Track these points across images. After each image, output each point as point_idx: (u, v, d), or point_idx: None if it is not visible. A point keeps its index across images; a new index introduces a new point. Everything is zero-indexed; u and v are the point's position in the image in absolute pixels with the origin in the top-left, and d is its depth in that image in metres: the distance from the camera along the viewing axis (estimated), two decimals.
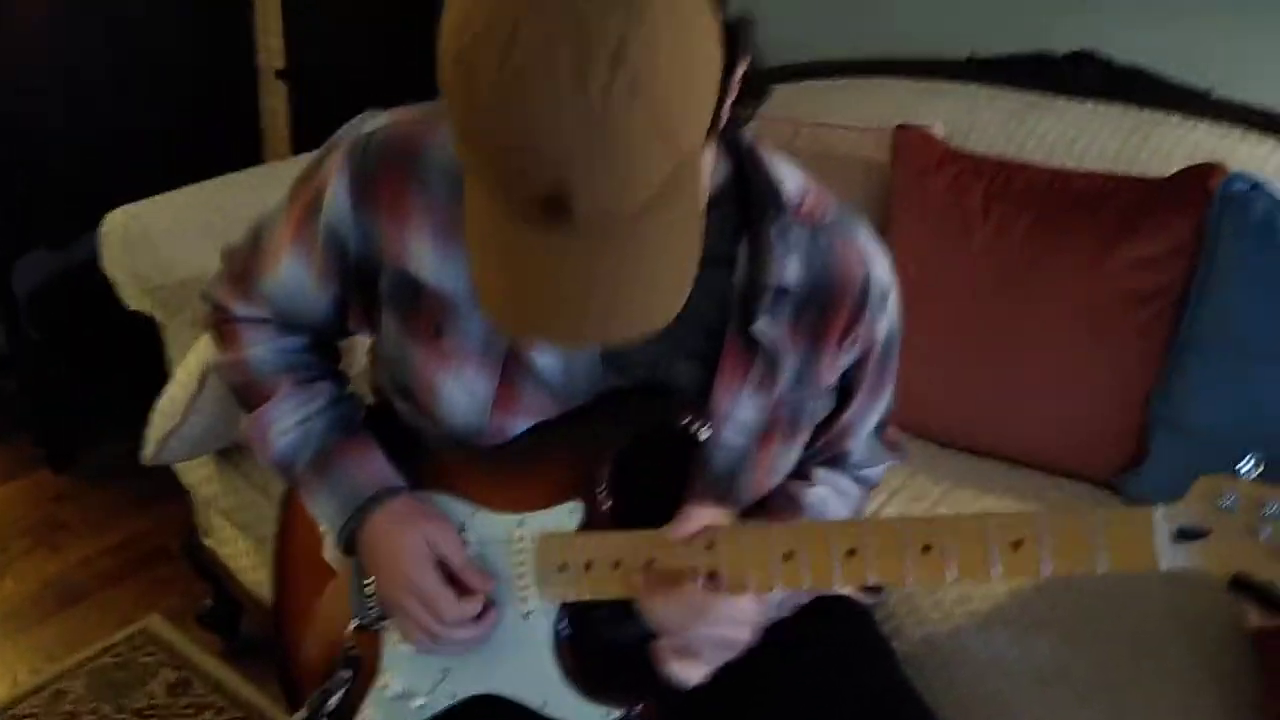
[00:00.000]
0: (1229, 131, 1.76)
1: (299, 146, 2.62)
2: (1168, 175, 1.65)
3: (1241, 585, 0.89)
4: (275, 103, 2.61)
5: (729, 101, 0.91)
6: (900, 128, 1.87)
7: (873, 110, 2.02)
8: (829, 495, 1.25)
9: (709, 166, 0.95)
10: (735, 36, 0.89)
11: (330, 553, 1.26)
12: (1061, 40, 1.95)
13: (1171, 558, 0.90)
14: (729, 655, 1.05)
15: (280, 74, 2.61)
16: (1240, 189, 1.53)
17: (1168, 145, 1.76)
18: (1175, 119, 1.80)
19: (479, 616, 1.14)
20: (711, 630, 1.03)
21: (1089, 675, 1.36)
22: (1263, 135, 1.73)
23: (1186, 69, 1.84)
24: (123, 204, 2.01)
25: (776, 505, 1.21)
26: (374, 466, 1.19)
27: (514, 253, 0.88)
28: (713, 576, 1.03)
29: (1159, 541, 0.90)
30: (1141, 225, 1.61)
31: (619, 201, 0.83)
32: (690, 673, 1.04)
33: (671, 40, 0.80)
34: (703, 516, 1.04)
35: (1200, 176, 1.59)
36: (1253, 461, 0.89)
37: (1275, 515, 0.87)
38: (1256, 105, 1.77)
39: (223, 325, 1.26)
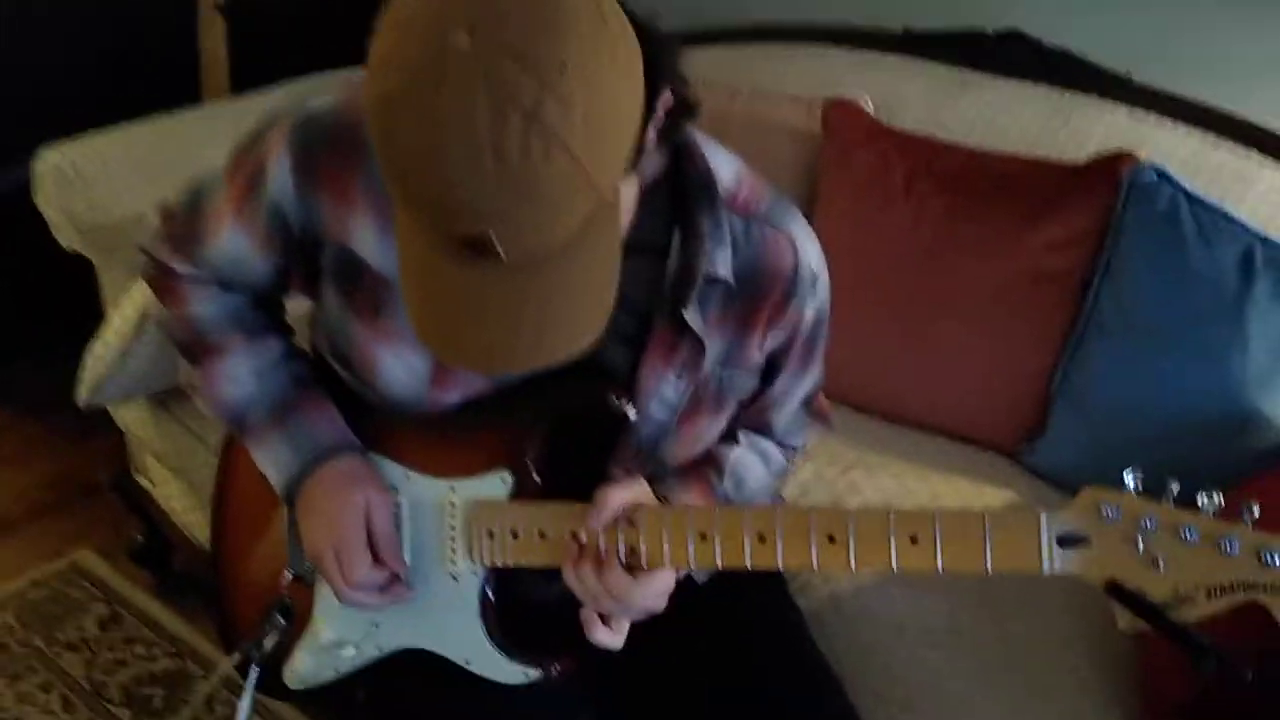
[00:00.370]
0: (1146, 116, 1.82)
1: (238, 85, 2.58)
2: (1082, 160, 1.71)
3: (1115, 590, 0.96)
4: (214, 39, 2.57)
5: (655, 126, 0.95)
6: (832, 101, 1.91)
7: (807, 79, 2.07)
8: (747, 456, 1.30)
9: (631, 193, 0.99)
10: (658, 66, 0.92)
11: None
12: (994, 19, 2.00)
13: (1054, 562, 0.97)
14: (644, 617, 1.12)
15: (220, 9, 2.56)
16: (1148, 179, 1.60)
17: (1086, 127, 1.82)
18: (1095, 101, 1.86)
19: (384, 589, 1.19)
20: (630, 605, 1.09)
21: (981, 635, 1.45)
22: (1176, 123, 1.79)
23: (1111, 53, 1.89)
24: (56, 138, 1.99)
25: (701, 467, 1.26)
26: (331, 422, 1.23)
27: (441, 285, 0.92)
28: (633, 551, 1.08)
29: (1043, 545, 0.97)
30: (1053, 209, 1.67)
31: (540, 244, 0.87)
32: (615, 639, 1.11)
33: (587, 95, 0.82)
34: (620, 497, 1.09)
35: (1111, 164, 1.65)
36: (1134, 475, 0.96)
37: (1151, 529, 0.94)
38: (1174, 92, 1.83)
39: (164, 281, 1.27)
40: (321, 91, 1.13)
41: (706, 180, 1.13)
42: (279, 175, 1.12)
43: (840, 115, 1.88)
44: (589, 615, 1.10)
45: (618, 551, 1.08)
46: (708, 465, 1.27)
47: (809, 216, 1.22)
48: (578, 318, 0.93)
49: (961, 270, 1.73)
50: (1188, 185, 1.59)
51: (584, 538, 1.10)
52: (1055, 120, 1.85)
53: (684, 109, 1.02)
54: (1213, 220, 1.55)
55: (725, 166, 1.16)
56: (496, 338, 0.92)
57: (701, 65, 2.13)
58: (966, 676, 1.41)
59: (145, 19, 2.70)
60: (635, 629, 1.15)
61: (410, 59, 0.82)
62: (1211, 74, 1.86)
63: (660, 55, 0.93)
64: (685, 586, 1.18)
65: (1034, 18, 1.97)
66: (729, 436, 1.30)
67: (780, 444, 1.36)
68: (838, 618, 1.50)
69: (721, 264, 1.12)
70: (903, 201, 1.77)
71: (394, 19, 0.85)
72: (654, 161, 1.13)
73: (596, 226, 0.90)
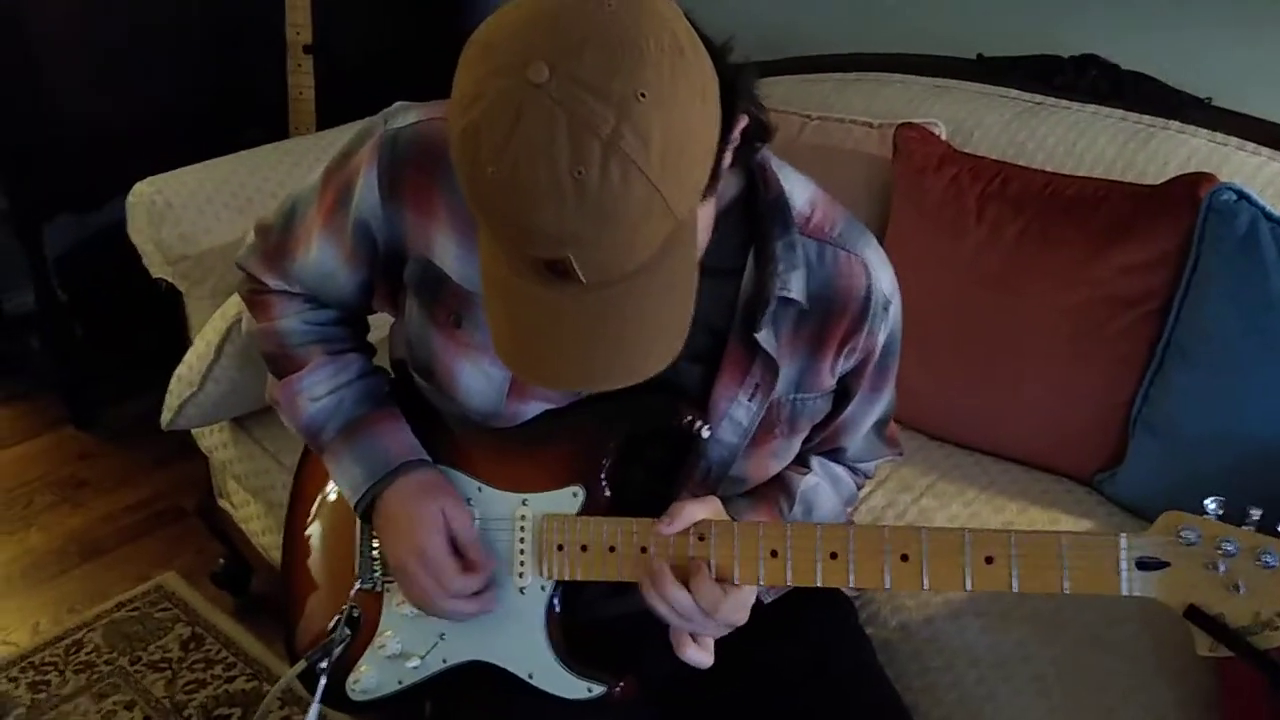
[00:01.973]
0: (1225, 140, 1.78)
1: (324, 122, 2.66)
2: (1160, 183, 1.68)
3: (1195, 616, 0.94)
4: (302, 78, 2.66)
5: (731, 148, 0.96)
6: (903, 125, 1.91)
7: (879, 106, 2.06)
8: (821, 483, 1.30)
9: (708, 215, 1.01)
10: (734, 91, 0.94)
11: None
12: (1068, 44, 1.98)
13: (1132, 584, 0.96)
14: (729, 631, 1.12)
15: (307, 49, 2.65)
16: (1227, 199, 1.56)
17: (1165, 152, 1.79)
18: (1174, 126, 1.83)
19: (478, 593, 1.20)
20: (718, 624, 1.09)
21: (1051, 667, 1.41)
22: (1259, 146, 1.75)
23: (1188, 76, 1.86)
24: (151, 172, 2.07)
25: (766, 489, 1.26)
26: (402, 437, 1.25)
27: (520, 304, 0.94)
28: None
29: (1122, 568, 0.96)
30: (1131, 231, 1.64)
31: (617, 267, 0.89)
32: (705, 656, 1.11)
33: (664, 123, 0.84)
34: (694, 512, 1.10)
35: (1190, 185, 1.61)
36: (1216, 502, 0.94)
37: (1231, 553, 0.92)
38: (1254, 115, 1.79)
39: (256, 296, 1.32)
40: (408, 112, 1.17)
41: (780, 203, 1.14)
42: (366, 189, 1.16)
43: (912, 139, 1.87)
44: (678, 635, 1.10)
45: (708, 564, 1.08)
46: (778, 490, 1.27)
47: (881, 242, 1.22)
48: (654, 339, 0.95)
49: (1037, 295, 1.70)
50: (1268, 207, 1.55)
51: (653, 549, 1.10)
52: (1133, 144, 1.82)
53: (760, 132, 1.04)
54: None
55: (799, 190, 1.18)
56: (573, 358, 0.95)
57: (775, 95, 2.18)
58: (1040, 710, 1.38)
59: (239, 61, 2.82)
60: None
61: (491, 92, 0.85)
62: None
63: (736, 80, 0.95)
64: (753, 609, 1.17)
65: (1109, 42, 1.95)
66: (801, 462, 1.30)
67: (852, 469, 1.37)
68: (908, 648, 1.48)
69: (795, 286, 1.13)
70: (976, 226, 1.75)
71: (475, 55, 0.88)
72: (729, 184, 1.15)
73: (673, 249, 0.92)
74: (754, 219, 1.15)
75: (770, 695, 1.25)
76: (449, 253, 1.15)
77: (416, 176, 1.14)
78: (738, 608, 1.10)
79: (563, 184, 0.83)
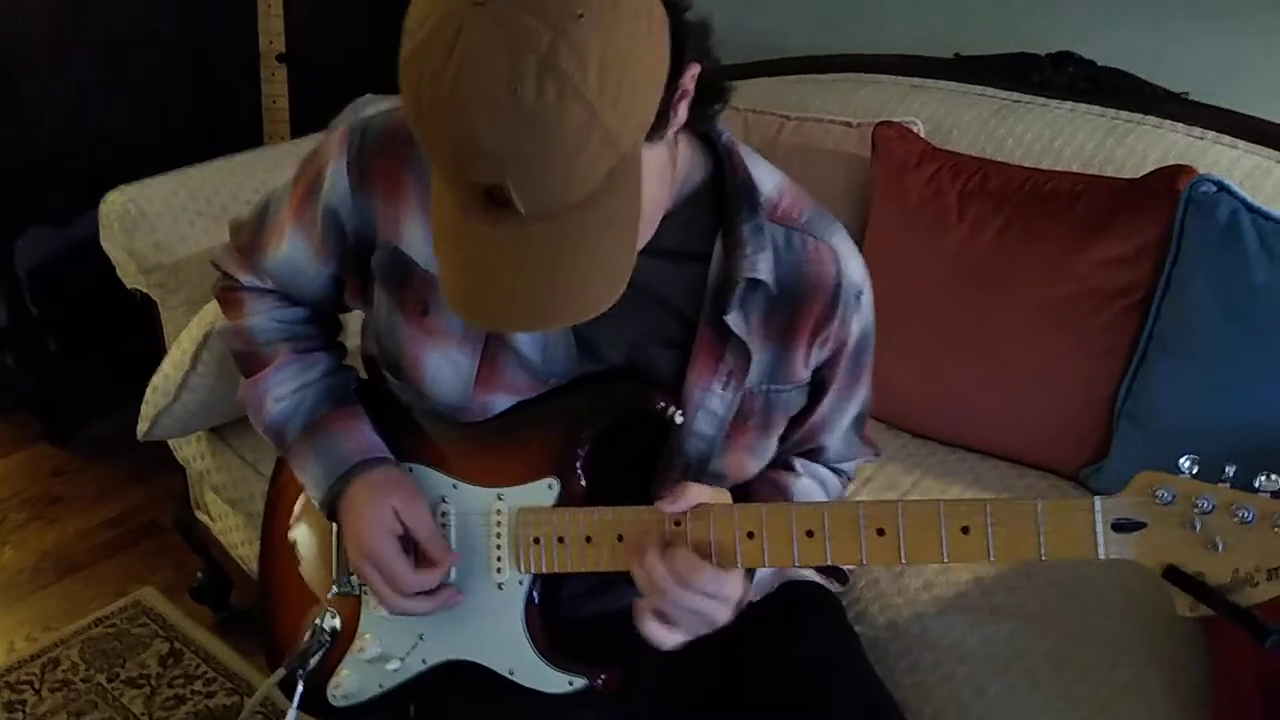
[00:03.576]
0: (1203, 134, 1.79)
1: (298, 130, 2.65)
2: (1139, 176, 1.68)
3: (1174, 576, 0.94)
4: (275, 87, 2.65)
5: (678, 102, 0.96)
6: (882, 124, 1.91)
7: (857, 105, 2.06)
8: (812, 486, 1.29)
9: (658, 162, 1.00)
10: (683, 34, 0.93)
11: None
12: (1045, 41, 1.98)
13: (1109, 547, 0.96)
14: (705, 630, 1.09)
15: (281, 58, 2.64)
16: (1207, 191, 1.56)
17: (1143, 147, 1.79)
18: (1151, 120, 1.83)
19: (436, 591, 1.18)
20: (696, 600, 1.06)
21: (1042, 660, 1.40)
22: (1235, 139, 1.76)
23: (1165, 72, 1.87)
24: (124, 184, 2.05)
25: (765, 494, 1.26)
26: (360, 436, 1.24)
27: (465, 242, 0.94)
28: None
29: (1098, 531, 0.95)
30: (1111, 225, 1.64)
31: (558, 197, 0.89)
32: (665, 636, 1.08)
33: (602, 44, 0.84)
34: (700, 494, 1.09)
35: (1169, 178, 1.62)
36: (1190, 461, 0.94)
37: (1207, 510, 0.92)
38: (1230, 109, 1.80)
39: (229, 293, 1.32)
40: (377, 103, 1.17)
41: (748, 188, 1.14)
42: (335, 178, 1.16)
43: (890, 138, 1.87)
44: (642, 608, 1.08)
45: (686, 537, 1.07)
46: (775, 493, 1.26)
47: (861, 241, 1.23)
48: (594, 278, 0.94)
49: (1019, 290, 1.70)
50: (1249, 198, 1.55)
51: (628, 536, 1.09)
52: (1111, 140, 1.82)
53: (715, 90, 1.03)
54: (1275, 231, 1.51)
55: (767, 177, 1.18)
56: (515, 296, 0.94)
57: (753, 96, 2.18)
58: (1032, 704, 1.36)
59: (212, 71, 2.81)
60: (685, 649, 1.13)
61: (435, 15, 0.86)
62: (1270, 89, 1.84)
63: (686, 27, 0.95)
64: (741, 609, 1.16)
65: (1085, 40, 1.96)
66: (787, 466, 1.29)
67: (834, 470, 1.36)
68: (897, 645, 1.47)
69: (763, 267, 1.12)
70: (957, 223, 1.75)
71: None
72: (696, 168, 1.15)
73: (616, 186, 0.91)
74: (722, 204, 1.14)
75: (760, 694, 1.24)
76: (416, 237, 1.14)
77: (385, 162, 1.14)
78: (716, 594, 1.07)
79: (499, 100, 0.84)
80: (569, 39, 0.83)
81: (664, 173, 1.03)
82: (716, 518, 1.07)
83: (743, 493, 1.24)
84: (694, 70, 0.96)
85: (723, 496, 1.12)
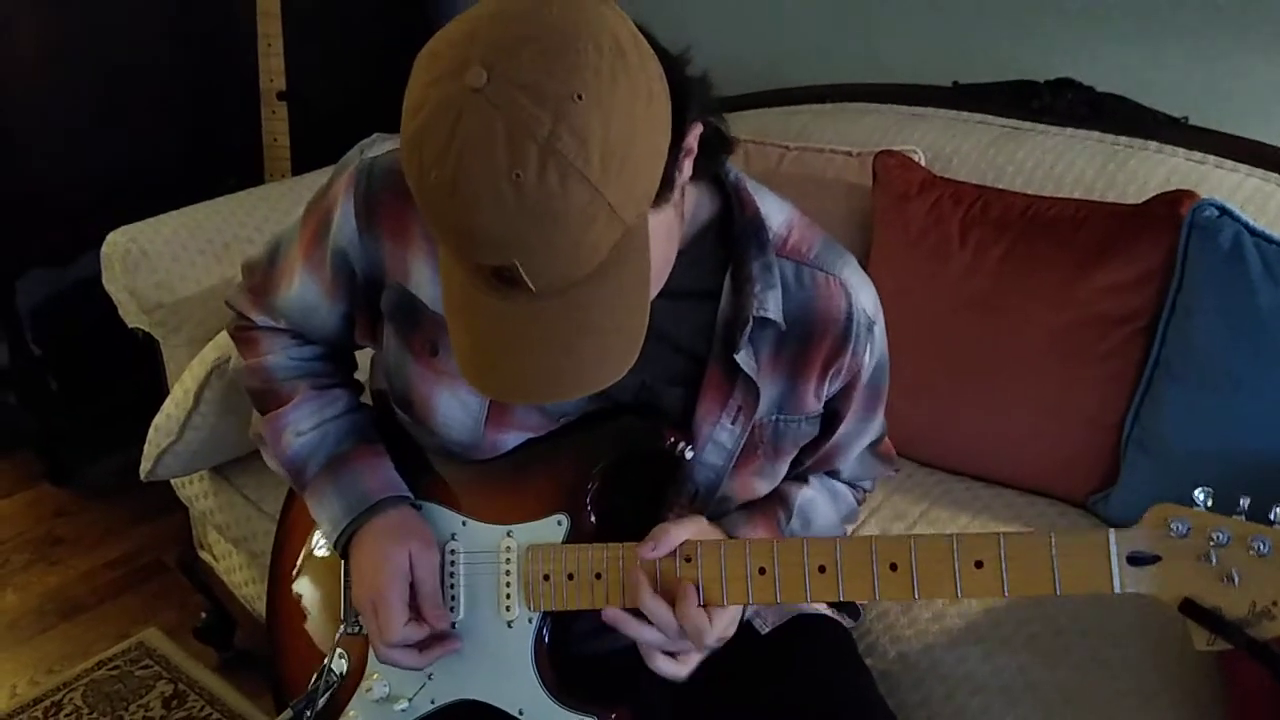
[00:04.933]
0: (1204, 159, 1.79)
1: (299, 168, 2.65)
2: (1141, 202, 1.68)
3: (1190, 610, 0.93)
4: (276, 125, 2.65)
5: (683, 160, 0.96)
6: (882, 153, 1.91)
7: (857, 135, 2.06)
8: (817, 496, 1.29)
9: (665, 224, 0.99)
10: (685, 96, 0.93)
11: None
12: (1043, 68, 1.99)
13: (1125, 581, 0.95)
14: (709, 652, 1.10)
15: (282, 95, 2.65)
16: (1209, 215, 1.56)
17: (1144, 172, 1.79)
18: (1152, 146, 1.83)
19: (425, 649, 1.17)
20: (703, 646, 1.08)
21: (1055, 692, 1.38)
22: (1237, 163, 1.76)
23: (1164, 97, 1.87)
24: (126, 223, 2.05)
25: (764, 503, 1.25)
26: (383, 474, 1.24)
27: (477, 316, 0.94)
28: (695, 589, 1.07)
29: (1113, 565, 0.95)
30: (1114, 251, 1.63)
31: (567, 274, 0.89)
32: (678, 670, 1.09)
33: (604, 124, 0.84)
34: (678, 534, 1.08)
35: (1171, 203, 1.61)
36: (1205, 493, 0.93)
37: (1223, 543, 0.91)
38: (1230, 133, 1.80)
39: (243, 333, 1.33)
40: (384, 142, 1.17)
41: (756, 224, 1.14)
42: (343, 219, 1.16)
43: (891, 166, 1.87)
44: (649, 648, 1.08)
45: (696, 587, 1.06)
46: (775, 503, 1.26)
47: (863, 269, 1.21)
48: (608, 348, 0.94)
49: (1023, 317, 1.70)
50: (1251, 221, 1.55)
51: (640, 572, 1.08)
52: (1112, 165, 1.82)
53: (719, 143, 1.04)
54: (1278, 255, 1.51)
55: (776, 212, 1.17)
56: (530, 369, 0.94)
57: (753, 126, 2.18)
58: None
59: (213, 109, 2.81)
60: (697, 684, 1.12)
61: (432, 98, 0.85)
62: (1268, 113, 1.84)
63: (687, 86, 0.94)
64: (747, 637, 1.15)
65: (1084, 67, 1.96)
66: (798, 477, 1.29)
67: (851, 485, 1.36)
68: (909, 678, 1.46)
69: (772, 306, 1.12)
70: (959, 250, 1.75)
71: (421, 65, 0.89)
72: (704, 206, 1.15)
73: (624, 257, 0.91)
74: (730, 241, 1.14)
75: None
76: (424, 278, 1.14)
77: (392, 202, 1.14)
78: (720, 627, 1.08)
79: (501, 187, 0.83)
80: (569, 122, 0.83)
81: (672, 230, 1.03)
82: (728, 553, 1.06)
83: (743, 503, 1.24)
84: (697, 130, 0.97)
85: (709, 532, 1.11)
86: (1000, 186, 1.84)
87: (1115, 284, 1.63)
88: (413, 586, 1.18)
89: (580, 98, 0.83)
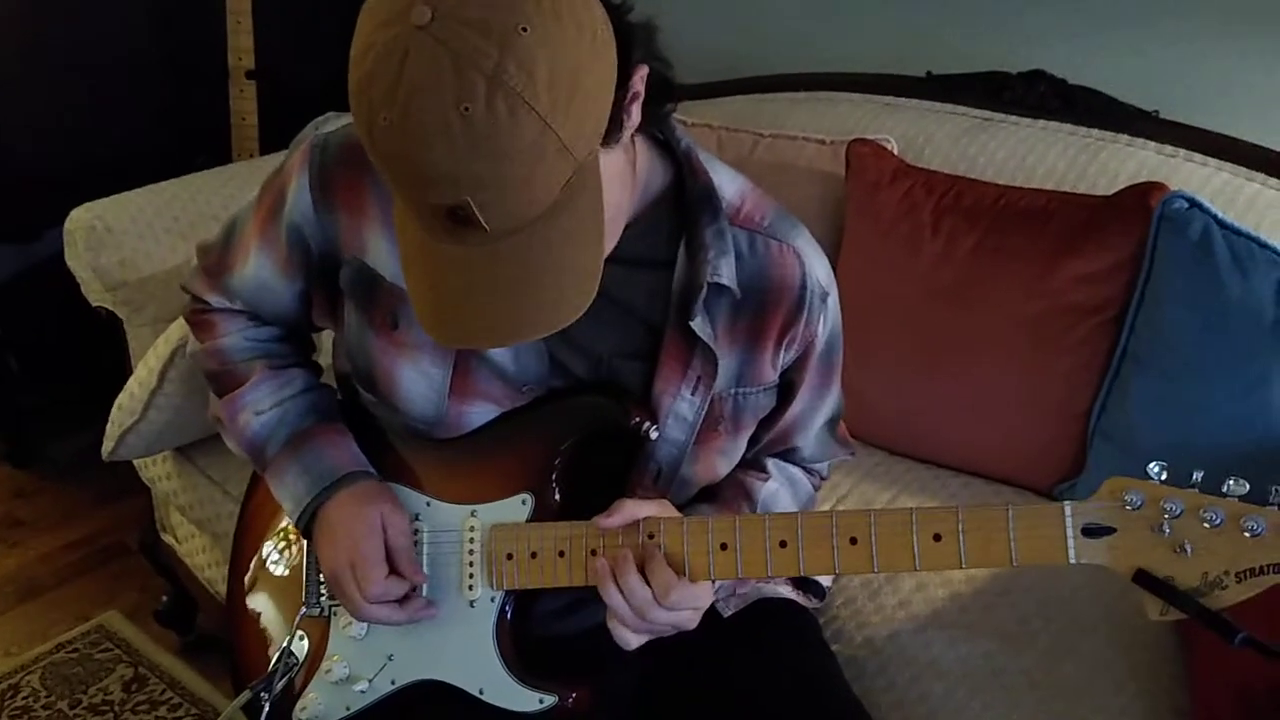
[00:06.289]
0: (1175, 152, 1.80)
1: (268, 146, 2.63)
2: (1111, 193, 1.68)
3: (1144, 580, 0.94)
4: (244, 103, 2.63)
5: (630, 104, 0.96)
6: (855, 141, 1.91)
7: (831, 124, 2.06)
8: (780, 489, 1.29)
9: (616, 167, 1.00)
10: (629, 37, 0.94)
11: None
12: (1016, 60, 1.99)
13: (1080, 552, 0.96)
14: (670, 632, 1.10)
15: (250, 74, 2.62)
16: (1179, 207, 1.57)
17: (1114, 164, 1.80)
18: (1123, 139, 1.85)
19: (405, 602, 1.17)
20: (673, 616, 1.07)
21: (1021, 678, 1.39)
22: (1205, 157, 1.77)
23: (1135, 90, 1.88)
24: (89, 200, 2.02)
25: (729, 495, 1.25)
26: (347, 450, 1.23)
27: (433, 265, 0.94)
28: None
29: (1069, 536, 0.96)
30: (1084, 242, 1.64)
31: (520, 212, 0.89)
32: (629, 637, 1.08)
33: (549, 56, 0.84)
34: (637, 509, 1.08)
35: (1141, 195, 1.62)
36: (1160, 466, 0.94)
37: (1176, 514, 0.93)
38: (1200, 127, 1.81)
39: (199, 315, 1.32)
40: (338, 118, 1.16)
41: (708, 192, 1.14)
42: (298, 194, 1.16)
43: (864, 155, 1.87)
44: (621, 627, 1.08)
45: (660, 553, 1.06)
46: (740, 496, 1.26)
47: (835, 258, 1.22)
48: (565, 288, 0.94)
49: (993, 307, 1.70)
50: (1220, 214, 1.56)
51: (602, 550, 1.09)
52: (1083, 158, 1.83)
53: (665, 90, 1.03)
54: (1247, 247, 1.52)
55: (728, 182, 1.18)
56: (489, 313, 0.94)
57: (727, 113, 2.18)
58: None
59: (181, 88, 2.79)
60: (659, 666, 1.12)
61: (379, 41, 0.86)
62: (1238, 107, 1.85)
63: (631, 29, 0.95)
64: (710, 620, 1.15)
65: (1056, 58, 1.97)
66: (759, 467, 1.29)
67: (807, 470, 1.36)
68: (874, 663, 1.46)
69: (725, 272, 1.12)
70: (931, 239, 1.75)
71: (364, 15, 0.89)
72: (657, 175, 1.15)
73: (576, 195, 0.91)
74: (683, 209, 1.14)
75: (735, 713, 1.22)
76: (381, 250, 1.14)
77: (347, 176, 1.13)
78: (690, 600, 1.08)
79: (451, 121, 0.83)
80: (515, 54, 0.83)
81: (624, 176, 1.04)
82: (690, 530, 1.07)
83: (708, 496, 1.24)
84: (642, 71, 0.97)
85: (667, 509, 1.11)
86: (972, 177, 1.85)
87: (1085, 274, 1.64)
88: (386, 547, 1.17)
89: (525, 30, 0.84)
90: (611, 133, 0.94)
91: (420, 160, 0.85)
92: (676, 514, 1.11)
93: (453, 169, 0.85)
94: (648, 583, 1.06)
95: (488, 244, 0.90)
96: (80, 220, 1.99)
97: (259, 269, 1.23)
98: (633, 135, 1.02)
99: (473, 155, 0.84)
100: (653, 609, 1.06)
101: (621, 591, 1.06)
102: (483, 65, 0.83)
